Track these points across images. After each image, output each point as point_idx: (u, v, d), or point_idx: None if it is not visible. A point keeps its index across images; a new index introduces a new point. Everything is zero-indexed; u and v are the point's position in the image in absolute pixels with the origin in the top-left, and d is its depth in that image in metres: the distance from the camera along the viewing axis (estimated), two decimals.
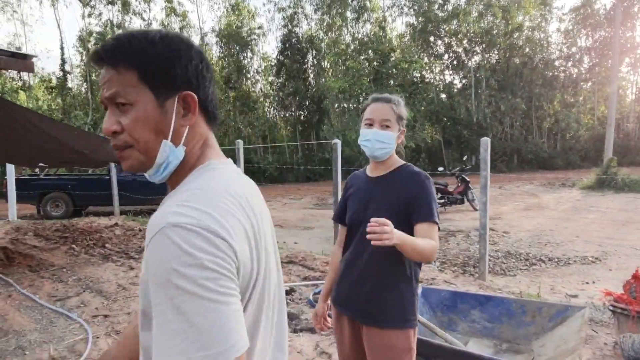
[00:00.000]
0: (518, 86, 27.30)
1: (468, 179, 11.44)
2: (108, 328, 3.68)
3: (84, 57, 23.93)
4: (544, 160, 26.99)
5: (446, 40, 27.69)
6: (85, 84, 24.59)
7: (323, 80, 26.33)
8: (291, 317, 3.78)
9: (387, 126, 1.76)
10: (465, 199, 11.36)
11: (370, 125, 1.78)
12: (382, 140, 1.74)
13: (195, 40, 27.85)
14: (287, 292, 4.40)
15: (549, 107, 29.12)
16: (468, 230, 8.59)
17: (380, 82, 14.28)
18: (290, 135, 26.83)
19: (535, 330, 2.20)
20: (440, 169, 12.40)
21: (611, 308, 3.07)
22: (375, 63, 14.35)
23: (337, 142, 6.72)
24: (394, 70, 14.22)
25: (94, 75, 23.86)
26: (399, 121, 1.80)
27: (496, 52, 28.32)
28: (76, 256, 6.33)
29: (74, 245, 6.92)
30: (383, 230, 1.45)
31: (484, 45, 27.44)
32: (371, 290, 1.72)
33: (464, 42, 27.57)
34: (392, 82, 14.26)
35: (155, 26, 28.53)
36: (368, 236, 1.46)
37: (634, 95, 32.83)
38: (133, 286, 4.82)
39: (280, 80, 25.56)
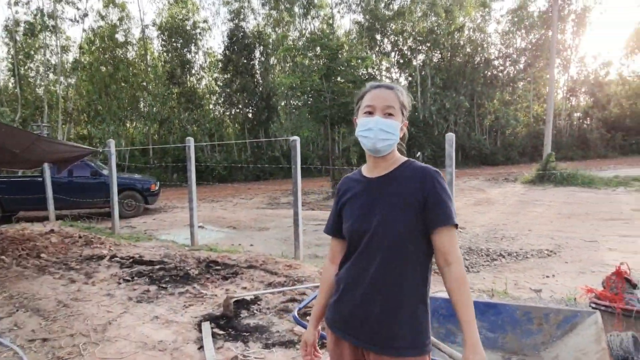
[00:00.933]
0: (461, 84, 28.20)
1: None
2: (48, 354, 3.18)
3: (11, 49, 21.96)
4: (486, 156, 28.08)
5: (392, 38, 28.09)
6: (12, 78, 22.58)
7: (271, 76, 25.86)
8: (260, 330, 3.45)
9: (391, 114, 1.50)
10: None
11: (371, 113, 1.51)
12: (386, 130, 1.47)
13: (135, 33, 26.51)
14: (253, 301, 4.06)
15: (490, 104, 30.35)
16: None
17: (331, 79, 14.07)
18: (238, 133, 26.13)
19: (543, 340, 2.03)
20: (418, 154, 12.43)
21: (593, 305, 2.99)
22: (325, 60, 14.08)
23: (296, 139, 6.43)
24: (345, 66, 14.04)
25: (22, 69, 21.99)
26: (402, 110, 1.55)
27: (440, 51, 29.09)
28: (6, 269, 5.61)
29: (3, 257, 6.15)
30: None
31: (428, 44, 28.07)
32: (381, 311, 1.44)
33: (409, 40, 28.10)
34: (340, 78, 14.05)
35: (92, 17, 26.83)
36: None
37: (564, 94, 34.89)
38: (75, 302, 4.27)
39: (227, 77, 24.77)
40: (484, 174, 21.06)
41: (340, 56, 14.41)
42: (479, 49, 29.67)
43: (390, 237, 1.44)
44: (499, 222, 9.15)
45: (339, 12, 27.12)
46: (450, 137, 5.39)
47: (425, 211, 1.44)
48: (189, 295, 4.38)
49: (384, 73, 28.63)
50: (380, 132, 1.47)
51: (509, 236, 7.79)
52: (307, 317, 3.51)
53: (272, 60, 26.53)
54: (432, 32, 27.24)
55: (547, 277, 5.52)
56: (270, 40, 25.98)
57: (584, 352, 1.73)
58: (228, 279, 4.89)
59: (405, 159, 1.59)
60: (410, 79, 29.03)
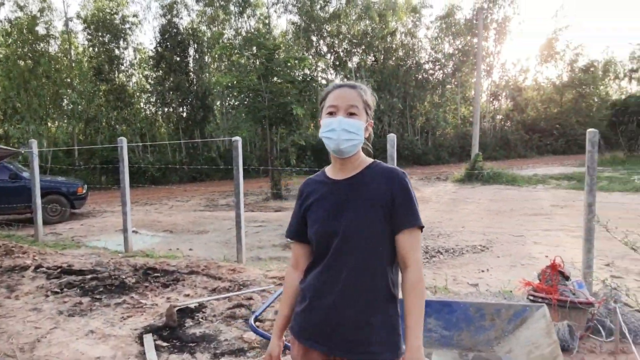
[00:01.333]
0: (395, 87, 29.09)
1: None
2: None
3: None
4: (419, 156, 29.18)
5: (328, 40, 28.39)
6: None
7: (207, 75, 25.13)
8: (207, 339, 3.31)
9: (354, 114, 1.48)
10: None
11: (333, 113, 1.48)
12: (349, 130, 1.44)
13: (58, 26, 24.67)
14: (197, 309, 3.89)
15: (421, 106, 31.59)
16: None
17: (269, 79, 13.93)
18: (172, 134, 25.09)
19: (496, 335, 2.11)
20: None
21: (531, 298, 3.18)
22: (262, 59, 13.91)
23: (238, 139, 6.31)
24: (283, 66, 13.96)
25: None
26: (366, 110, 1.54)
27: (374, 54, 29.82)
28: None
29: None
30: None
31: (363, 47, 28.68)
32: (355, 316, 1.41)
33: (345, 43, 28.55)
34: (277, 79, 13.94)
35: (8, 7, 24.60)
36: None
37: (487, 97, 37.11)
38: None
39: (159, 74, 23.71)
40: (417, 174, 21.89)
41: (277, 56, 14.31)
42: (411, 52, 30.77)
43: (360, 240, 1.42)
44: (435, 220, 9.52)
45: (275, 11, 26.97)
46: (392, 137, 5.51)
47: (392, 213, 1.43)
48: (126, 305, 4.12)
49: (320, 74, 28.87)
50: (343, 132, 1.44)
51: (445, 233, 8.13)
52: (263, 324, 3.42)
53: (207, 58, 25.80)
54: (366, 35, 27.86)
55: (482, 271, 5.81)
56: (205, 38, 25.24)
57: (536, 346, 1.81)
58: (169, 287, 4.66)
59: (372, 160, 1.57)
60: (345, 80, 29.51)
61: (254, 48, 14.62)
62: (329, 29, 27.68)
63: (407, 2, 29.69)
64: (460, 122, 34.03)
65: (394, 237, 1.44)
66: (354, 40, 28.11)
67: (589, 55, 48.45)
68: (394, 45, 30.19)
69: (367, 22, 28.11)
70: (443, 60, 31.75)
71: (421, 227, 1.45)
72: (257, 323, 3.52)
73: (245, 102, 14.63)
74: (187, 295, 4.31)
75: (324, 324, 1.45)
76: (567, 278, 3.26)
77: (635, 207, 10.29)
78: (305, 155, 23.88)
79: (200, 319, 3.70)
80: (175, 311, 3.66)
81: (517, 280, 3.86)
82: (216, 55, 23.59)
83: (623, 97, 29.72)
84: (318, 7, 26.55)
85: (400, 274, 1.48)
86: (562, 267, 3.21)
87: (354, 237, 1.42)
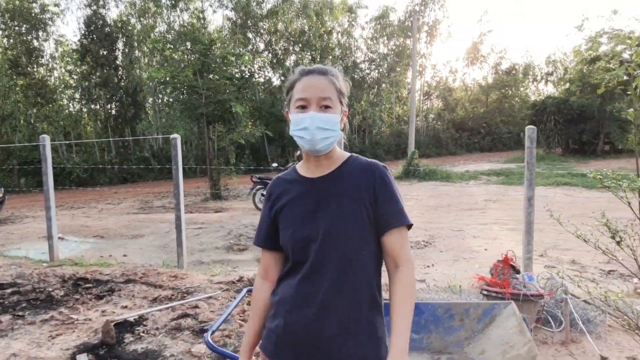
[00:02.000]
0: None
1: None
2: None
3: None
4: (357, 154, 29.62)
5: (265, 37, 28.02)
6: None
7: (137, 70, 23.85)
8: (151, 355, 3.02)
9: (328, 107, 1.30)
10: None
11: (304, 107, 1.31)
12: (324, 127, 1.28)
13: None
14: (137, 322, 3.56)
15: (358, 105, 32.09)
16: None
17: (205, 75, 13.43)
18: (100, 132, 23.54)
19: (466, 335, 2.05)
20: (275, 164, 12.31)
21: (485, 292, 3.20)
22: (197, 55, 13.38)
23: (176, 137, 5.95)
24: (220, 62, 13.50)
25: None
26: (340, 98, 1.36)
27: (311, 53, 29.86)
28: None
29: None
30: None
31: (300, 46, 28.62)
32: (339, 330, 1.26)
33: (282, 41, 28.33)
34: (214, 75, 13.48)
35: None
36: None
37: (420, 97, 38.50)
38: None
39: (84, 69, 22.12)
40: None
41: (213, 52, 13.82)
42: (348, 52, 31.15)
43: (342, 245, 1.27)
44: None
45: (210, 6, 26.12)
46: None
47: (376, 211, 1.30)
48: (55, 322, 3.69)
49: (257, 72, 28.43)
50: (318, 131, 1.28)
51: None
52: (222, 340, 3.18)
53: (138, 52, 24.48)
54: (303, 33, 27.81)
55: (428, 266, 5.89)
56: (135, 32, 23.91)
57: (510, 345, 1.77)
58: (103, 298, 4.26)
59: (349, 154, 1.43)
60: (282, 78, 29.32)
61: (188, 43, 14.04)
62: (265, 26, 27.32)
63: (343, 2, 30.02)
64: (395, 121, 35.00)
65: (378, 239, 1.31)
66: (291, 39, 27.97)
67: (511, 58, 51.94)
68: (331, 45, 30.42)
69: (304, 20, 28.10)
70: (378, 60, 32.47)
71: (409, 225, 1.32)
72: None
73: (181, 99, 14.00)
74: (125, 307, 3.95)
75: (304, 340, 1.29)
76: (517, 271, 3.33)
77: (559, 199, 11.04)
78: (243, 154, 23.41)
79: (142, 333, 3.38)
80: (112, 326, 3.32)
81: (462, 274, 3.93)
82: (148, 50, 22.45)
83: (542, 98, 31.96)
84: (254, 3, 26.11)
85: (388, 276, 1.36)
86: (514, 261, 3.28)
87: (335, 242, 1.27)
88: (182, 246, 5.79)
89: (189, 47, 14.06)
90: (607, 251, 2.36)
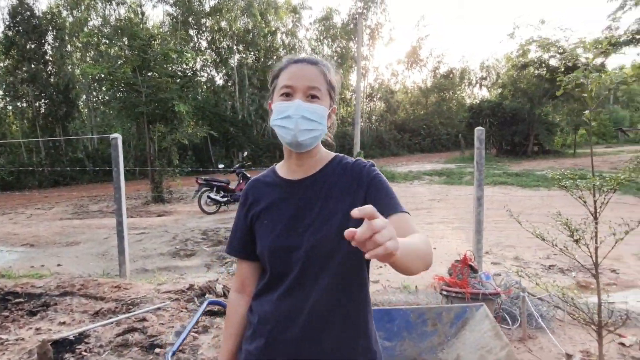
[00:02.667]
0: None
1: (249, 175, 11.36)
2: None
3: None
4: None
5: (208, 35, 27.31)
6: None
7: (70, 66, 22.34)
8: None
9: (316, 97, 1.18)
10: None
11: (289, 95, 1.18)
12: (309, 118, 1.15)
13: None
14: (78, 340, 3.25)
15: None
16: None
17: (145, 72, 12.82)
18: (27, 131, 21.80)
19: (439, 341, 2.01)
20: (221, 165, 11.96)
21: (445, 293, 3.22)
22: (136, 51, 12.74)
23: (117, 137, 5.57)
24: (161, 59, 12.93)
25: None
26: (330, 92, 1.24)
27: (256, 52, 29.48)
28: None
29: None
30: (378, 231, 0.75)
31: (244, 45, 28.16)
32: (332, 347, 1.15)
33: (226, 39, 27.75)
34: (154, 73, 12.89)
35: None
36: (369, 254, 0.75)
37: (363, 99, 39.18)
38: None
39: (9, 63, 20.39)
40: None
41: (153, 48, 13.20)
42: (292, 52, 31.05)
43: (330, 255, 1.15)
44: None
45: (150, 0, 25.08)
46: None
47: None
48: None
49: (200, 70, 27.66)
50: (302, 120, 1.14)
51: None
52: (175, 356, 2.95)
53: (70, 47, 22.95)
54: (248, 32, 27.39)
55: (381, 267, 5.90)
56: (68, 24, 22.39)
57: (487, 350, 1.74)
58: (37, 314, 3.86)
59: (333, 154, 1.31)
60: (226, 77, 28.75)
61: (125, 38, 13.31)
62: (208, 24, 26.61)
63: (287, 2, 29.90)
64: (340, 122, 35.36)
65: None
66: (235, 37, 27.46)
67: (449, 63, 54.18)
68: (275, 45, 30.20)
69: (248, 19, 27.68)
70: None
71: (408, 214, 1.18)
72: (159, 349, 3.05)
73: (119, 97, 13.25)
74: (63, 324, 3.60)
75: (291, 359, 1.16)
76: (475, 271, 3.38)
77: (497, 198, 11.57)
78: (186, 155, 22.65)
79: (84, 352, 3.08)
80: (49, 346, 3.00)
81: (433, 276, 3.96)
82: (81, 44, 21.09)
83: (477, 101, 33.55)
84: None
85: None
86: (473, 261, 3.32)
87: (321, 252, 1.15)
88: (125, 254, 5.42)
89: (126, 42, 13.33)
90: (564, 249, 2.42)
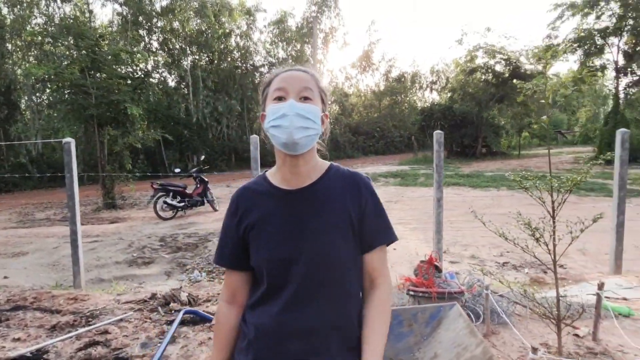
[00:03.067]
0: (233, 88, 28.73)
1: (206, 179, 11.16)
2: None
3: None
4: (260, 158, 29.40)
5: (161, 36, 26.58)
6: None
7: (10, 66, 21.02)
8: None
9: (309, 98, 1.19)
10: (205, 200, 11.04)
11: (282, 98, 1.18)
12: (305, 116, 1.15)
13: None
14: (36, 357, 3.08)
15: (259, 109, 31.87)
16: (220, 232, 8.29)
17: (95, 73, 12.31)
18: None
19: (415, 341, 2.06)
20: (177, 170, 11.67)
21: (412, 293, 3.31)
22: (84, 51, 12.21)
23: (70, 141, 5.33)
24: (112, 60, 12.46)
25: None
26: (322, 96, 1.26)
27: (210, 54, 28.99)
28: None
29: None
30: None
31: (197, 46, 27.63)
32: (336, 356, 1.17)
33: (179, 40, 27.11)
34: (104, 74, 12.40)
35: None
36: None
37: None
38: None
39: None
40: (247, 177, 21.93)
41: (103, 48, 12.68)
42: (247, 55, 30.80)
43: (329, 267, 1.16)
44: None
45: None
46: (255, 139, 5.30)
47: (363, 227, 1.21)
48: None
49: (152, 72, 26.84)
50: (297, 118, 1.14)
51: None
52: None
53: (10, 46, 21.60)
54: (202, 34, 26.90)
55: None
56: (8, 22, 21.06)
57: (463, 347, 1.81)
58: None
59: (328, 163, 1.31)
60: (179, 79, 28.08)
61: (71, 38, 12.68)
62: (160, 25, 25.90)
63: (241, 4, 29.62)
64: None
65: (360, 255, 1.24)
66: (189, 39, 26.88)
67: (400, 67, 55.49)
68: (229, 47, 29.83)
69: (199, 20, 27.17)
70: (277, 65, 32.58)
71: (393, 241, 1.26)
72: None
73: (66, 99, 12.63)
74: (18, 340, 3.39)
75: None
76: (440, 271, 3.50)
77: (451, 198, 11.97)
78: (138, 159, 21.91)
79: None
80: None
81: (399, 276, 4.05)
82: (23, 43, 19.91)
83: (428, 104, 34.62)
84: None
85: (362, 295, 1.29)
86: (438, 261, 3.43)
87: (320, 265, 1.15)
88: (79, 263, 5.20)
89: (72, 42, 12.71)
90: (525, 248, 2.55)
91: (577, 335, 3.11)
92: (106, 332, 3.46)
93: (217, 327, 1.29)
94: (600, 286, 2.93)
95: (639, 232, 7.45)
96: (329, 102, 1.32)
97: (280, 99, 1.19)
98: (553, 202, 2.55)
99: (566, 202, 2.54)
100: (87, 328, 3.52)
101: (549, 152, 2.49)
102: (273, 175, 1.29)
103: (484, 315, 3.16)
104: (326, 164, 1.31)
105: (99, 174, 12.34)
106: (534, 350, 2.10)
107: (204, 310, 3.31)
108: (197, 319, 3.52)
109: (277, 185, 1.26)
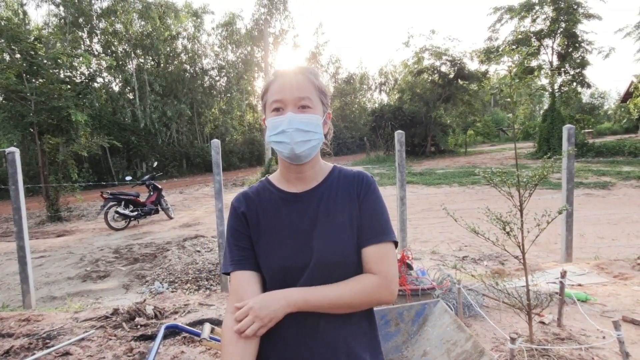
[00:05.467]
0: (182, 92, 28.00)
1: (160, 187, 10.79)
2: None
3: None
4: (210, 163, 28.58)
5: (102, 38, 25.45)
6: None
7: None
8: None
9: (307, 107, 1.17)
10: (160, 208, 10.67)
11: (279, 110, 1.17)
12: (304, 129, 1.14)
13: None
14: None
15: (210, 113, 31.24)
16: (178, 241, 8.03)
17: (33, 78, 11.59)
18: None
19: (403, 339, 2.08)
20: (129, 177, 11.19)
21: None
22: (21, 55, 11.49)
23: (14, 151, 4.99)
24: (52, 64, 11.78)
25: None
26: (321, 98, 1.23)
27: (156, 57, 28.10)
28: None
29: None
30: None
31: (143, 49, 26.70)
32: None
33: (123, 43, 26.08)
34: (43, 79, 11.71)
35: None
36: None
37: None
38: None
39: None
40: (212, 181, 21.51)
41: (40, 51, 11.94)
42: (197, 58, 30.12)
43: (341, 269, 1.13)
44: None
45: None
46: (216, 143, 5.18)
47: (360, 225, 1.18)
48: None
49: (95, 76, 25.62)
50: (297, 133, 1.14)
51: None
52: None
53: None
54: (147, 36, 26.01)
55: None
56: None
57: (452, 343, 1.84)
58: None
59: (331, 165, 1.30)
60: (123, 83, 27.00)
61: (3, 41, 11.85)
62: (102, 27, 24.79)
63: (187, 6, 28.94)
64: (247, 129, 34.98)
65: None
66: (133, 41, 25.91)
67: (347, 68, 56.27)
68: (177, 49, 29.05)
69: (144, 22, 26.27)
70: (227, 67, 32.12)
71: (394, 242, 1.22)
72: None
73: (2, 106, 11.80)
74: None
75: None
76: (411, 268, 3.55)
77: (407, 196, 12.25)
78: (82, 168, 20.85)
79: None
80: None
81: None
82: None
83: (377, 105, 35.27)
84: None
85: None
86: (410, 259, 3.48)
87: (330, 265, 1.12)
88: (29, 281, 4.86)
89: (4, 44, 11.88)
90: (496, 242, 2.64)
91: (542, 322, 3.25)
92: (67, 353, 3.25)
93: (224, 336, 1.14)
94: (563, 274, 3.08)
95: (581, 221, 7.95)
96: (330, 97, 1.30)
97: (278, 110, 1.17)
98: (521, 196, 2.65)
99: (507, 196, 2.63)
100: (46, 351, 3.28)
101: (515, 148, 2.59)
102: (278, 180, 1.27)
103: (456, 309, 3.23)
104: (329, 165, 1.31)
105: (39, 185, 11.61)
106: (512, 340, 2.16)
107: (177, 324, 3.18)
108: (166, 333, 3.37)
109: (284, 189, 1.24)
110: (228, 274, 1.20)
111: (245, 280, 1.16)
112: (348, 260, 1.15)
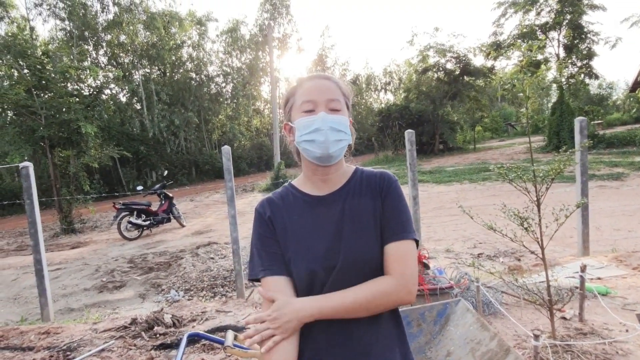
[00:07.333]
0: (188, 100, 28.17)
1: (171, 195, 10.85)
2: None
3: None
4: (219, 169, 28.87)
5: (109, 50, 25.71)
6: None
7: None
8: None
9: (337, 109, 1.19)
10: (172, 217, 10.73)
11: (311, 111, 1.17)
12: (337, 128, 1.16)
13: None
14: None
15: (217, 120, 31.41)
16: (192, 249, 8.07)
17: (39, 92, 11.73)
18: None
19: (425, 340, 2.06)
20: (140, 187, 11.28)
21: None
22: (30, 70, 11.64)
23: (28, 165, 5.04)
24: (61, 78, 11.91)
25: None
26: (347, 103, 1.26)
27: (162, 67, 28.32)
28: None
29: None
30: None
31: (149, 59, 26.93)
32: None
33: (129, 54, 26.33)
34: (53, 93, 11.84)
35: None
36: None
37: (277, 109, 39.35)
38: None
39: None
40: (222, 187, 21.59)
41: (48, 66, 12.08)
42: (202, 66, 30.31)
43: (368, 269, 1.13)
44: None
45: (40, 14, 22.97)
46: (227, 150, 5.21)
47: (382, 224, 1.17)
48: None
49: (103, 87, 25.90)
50: (331, 132, 1.14)
51: None
52: None
53: None
54: (152, 46, 26.24)
55: None
56: None
57: (477, 342, 1.81)
58: None
59: (354, 167, 1.31)
60: (130, 94, 27.24)
61: (10, 56, 12.00)
62: (107, 39, 25.05)
63: (191, 15, 29.14)
64: (255, 134, 35.10)
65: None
66: (139, 52, 26.14)
67: (354, 70, 56.24)
68: (182, 58, 29.27)
69: (149, 33, 26.49)
70: (233, 74, 32.27)
71: (415, 240, 1.19)
72: None
73: (13, 121, 11.97)
74: None
75: None
76: (428, 267, 3.52)
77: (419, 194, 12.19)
78: (93, 179, 21.05)
79: None
80: None
81: None
82: None
83: (384, 105, 35.18)
84: (94, 12, 23.76)
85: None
86: (427, 258, 3.46)
87: (357, 266, 1.12)
88: (46, 294, 4.91)
89: (11, 60, 12.03)
90: (515, 238, 2.61)
91: (564, 317, 3.21)
92: None
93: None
94: (583, 268, 3.03)
95: (596, 214, 7.85)
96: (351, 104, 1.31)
97: (309, 111, 1.18)
98: (537, 191, 2.62)
99: (523, 191, 2.59)
100: None
101: (529, 142, 2.56)
102: (301, 184, 1.27)
103: (475, 307, 3.20)
104: (351, 167, 1.31)
105: (52, 198, 11.73)
106: (536, 337, 2.13)
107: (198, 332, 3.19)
108: (176, 342, 3.39)
109: (308, 192, 1.24)
110: (258, 280, 1.18)
111: (279, 284, 1.16)
112: (375, 260, 1.14)
